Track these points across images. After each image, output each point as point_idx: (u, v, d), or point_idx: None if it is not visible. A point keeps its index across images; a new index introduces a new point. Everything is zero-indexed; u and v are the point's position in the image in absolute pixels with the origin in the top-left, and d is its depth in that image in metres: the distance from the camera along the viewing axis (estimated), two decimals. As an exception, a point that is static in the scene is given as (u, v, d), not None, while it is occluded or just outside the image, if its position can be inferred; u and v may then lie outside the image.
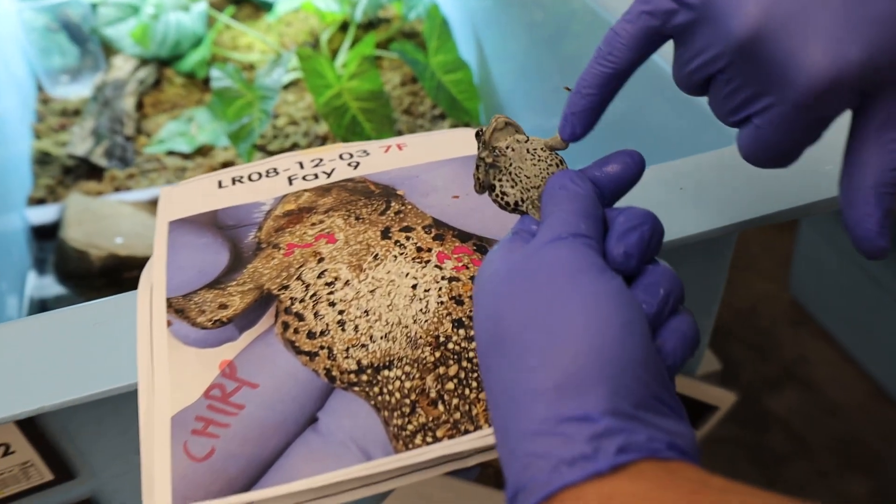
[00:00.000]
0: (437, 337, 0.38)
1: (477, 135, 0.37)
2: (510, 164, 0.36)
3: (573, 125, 0.36)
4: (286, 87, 1.06)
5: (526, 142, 0.37)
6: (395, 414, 0.35)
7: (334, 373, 0.37)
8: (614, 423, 0.26)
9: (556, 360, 0.27)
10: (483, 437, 0.34)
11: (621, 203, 0.37)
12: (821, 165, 0.47)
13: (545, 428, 0.27)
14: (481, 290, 0.32)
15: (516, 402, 0.28)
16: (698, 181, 0.48)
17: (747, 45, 0.30)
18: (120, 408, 0.41)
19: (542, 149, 0.37)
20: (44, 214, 0.90)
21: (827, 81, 0.29)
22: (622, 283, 0.30)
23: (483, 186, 0.38)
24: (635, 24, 0.34)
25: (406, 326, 0.38)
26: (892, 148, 0.31)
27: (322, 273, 0.41)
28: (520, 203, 0.36)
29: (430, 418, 0.35)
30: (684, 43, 0.34)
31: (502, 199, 0.37)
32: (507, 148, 0.37)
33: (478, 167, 0.37)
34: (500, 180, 0.37)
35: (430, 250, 0.42)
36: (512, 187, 0.36)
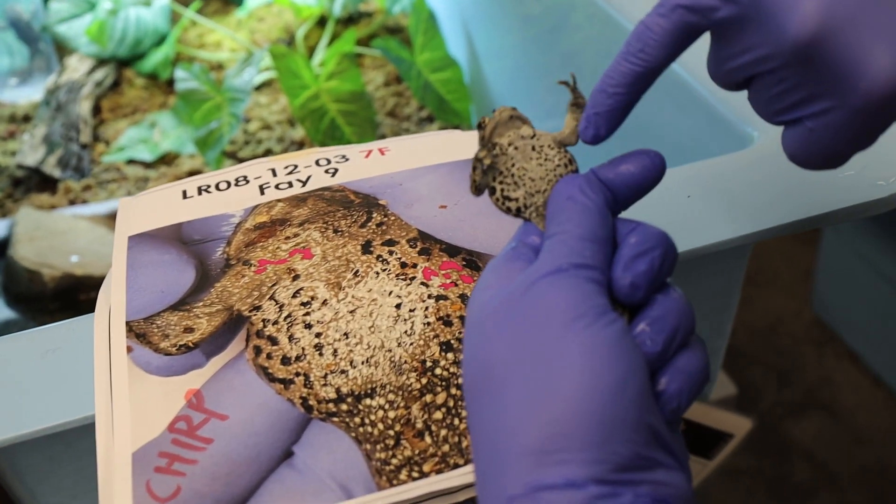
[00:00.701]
0: (424, 362, 0.38)
1: (479, 126, 0.37)
2: (513, 165, 0.36)
3: (597, 126, 0.36)
4: (258, 88, 1.07)
5: (532, 137, 0.36)
6: (378, 447, 0.35)
7: (311, 402, 0.37)
8: (597, 489, 0.27)
9: (541, 421, 0.28)
10: (474, 471, 0.34)
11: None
12: (841, 170, 0.48)
13: (523, 493, 0.28)
14: (472, 321, 0.32)
15: (497, 457, 0.29)
16: (707, 188, 0.48)
17: (804, 47, 0.30)
18: (75, 444, 0.41)
19: (549, 146, 0.36)
20: (-9, 230, 0.90)
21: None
22: (622, 328, 0.30)
23: (479, 189, 0.37)
24: (670, 18, 0.34)
25: (389, 350, 0.38)
26: None
27: (297, 292, 0.41)
28: (522, 209, 0.36)
29: (416, 451, 0.35)
30: (726, 39, 0.34)
31: (504, 203, 0.36)
32: (509, 146, 0.36)
33: (474, 168, 0.36)
34: (501, 182, 0.36)
35: (415, 266, 0.42)
36: (515, 191, 0.36)
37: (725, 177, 0.49)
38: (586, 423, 0.27)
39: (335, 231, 0.45)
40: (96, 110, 1.06)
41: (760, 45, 0.32)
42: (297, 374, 0.38)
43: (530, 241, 0.35)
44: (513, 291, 0.31)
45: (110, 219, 0.89)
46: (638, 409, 0.28)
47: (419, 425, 0.36)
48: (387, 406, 0.37)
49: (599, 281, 0.31)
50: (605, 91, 0.35)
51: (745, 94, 0.36)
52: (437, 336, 0.39)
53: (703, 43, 0.36)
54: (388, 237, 0.44)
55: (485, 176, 0.36)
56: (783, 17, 0.30)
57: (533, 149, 0.36)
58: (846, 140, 0.32)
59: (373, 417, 0.36)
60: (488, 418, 0.30)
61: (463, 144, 0.51)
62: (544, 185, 0.35)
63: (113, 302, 0.42)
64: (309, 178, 0.49)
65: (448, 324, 0.39)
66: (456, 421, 0.36)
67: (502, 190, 0.36)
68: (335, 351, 0.39)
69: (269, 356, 0.39)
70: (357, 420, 0.36)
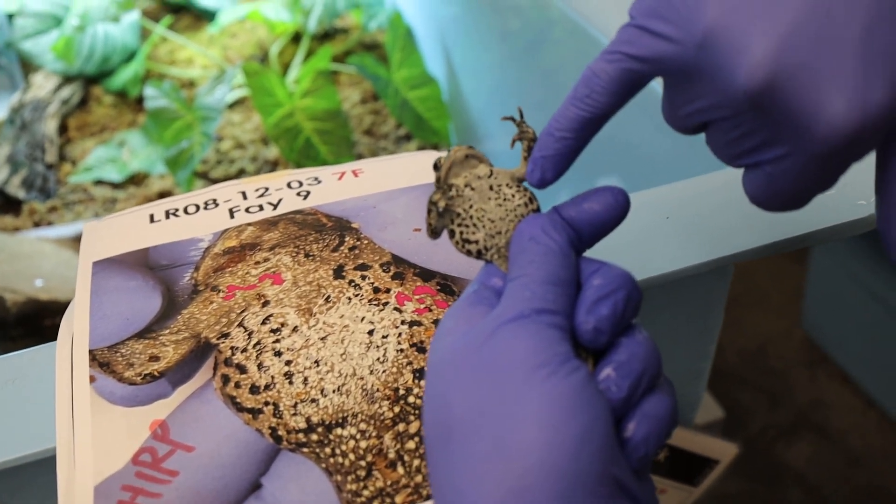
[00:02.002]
0: (397, 389, 0.38)
1: (434, 167, 0.37)
2: (470, 206, 0.36)
3: (543, 170, 0.36)
4: (231, 106, 1.07)
5: (489, 176, 0.36)
6: (349, 478, 0.35)
7: (280, 432, 0.37)
8: None
9: (501, 477, 0.28)
10: None
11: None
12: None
13: None
14: (432, 370, 0.32)
15: None
16: (687, 209, 0.49)
17: (755, 95, 0.30)
18: (36, 477, 0.41)
19: (507, 184, 0.36)
20: (-48, 254, 0.89)
21: (852, 130, 0.29)
22: (585, 375, 0.30)
23: (436, 233, 0.37)
24: (615, 65, 0.34)
25: (361, 378, 0.39)
26: None
27: (267, 318, 0.42)
28: (483, 252, 0.36)
29: (389, 482, 0.35)
30: (676, 86, 0.34)
31: (464, 246, 0.36)
32: (465, 186, 0.36)
33: (429, 212, 0.36)
34: (459, 225, 0.36)
35: (388, 291, 0.43)
36: (474, 233, 0.36)
37: (704, 197, 0.50)
38: (548, 477, 0.28)
39: (306, 255, 0.45)
40: (63, 129, 1.06)
41: (711, 94, 0.32)
42: (267, 404, 0.38)
43: (492, 284, 0.35)
44: (473, 339, 0.31)
45: (76, 241, 0.89)
46: (602, 460, 0.28)
47: (392, 455, 0.36)
48: (358, 436, 0.37)
49: (562, 326, 0.31)
50: (552, 135, 0.35)
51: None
52: (410, 363, 0.39)
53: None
54: (361, 261, 0.44)
55: (441, 219, 0.36)
56: (731, 65, 0.31)
57: (491, 188, 0.36)
58: (805, 184, 0.33)
59: (344, 447, 0.36)
60: (448, 472, 0.30)
61: (438, 165, 0.52)
62: (505, 225, 0.35)
63: (76, 330, 0.42)
64: (280, 201, 0.49)
65: (422, 350, 0.40)
66: (429, 450, 0.36)
67: (461, 232, 0.36)
68: (305, 379, 0.39)
69: (237, 385, 0.39)
70: (328, 450, 0.36)
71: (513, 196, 0.36)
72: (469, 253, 0.36)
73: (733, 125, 0.33)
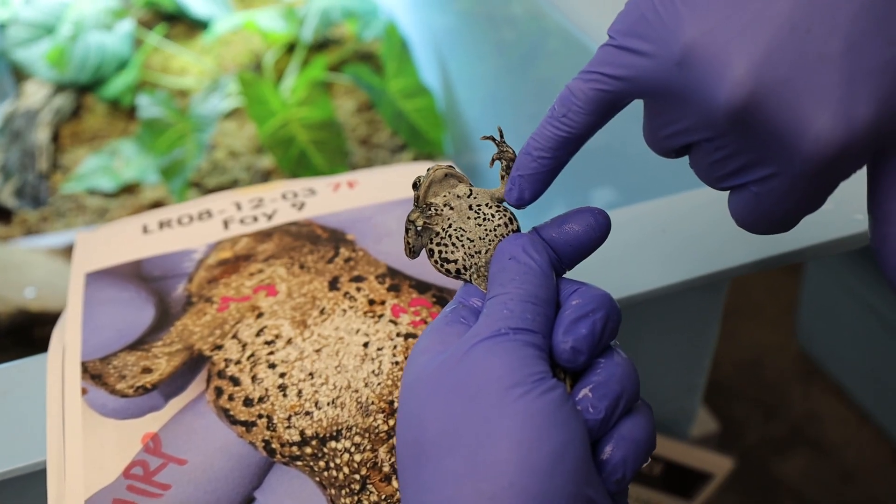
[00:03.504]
0: (392, 402, 0.38)
1: (414, 185, 0.37)
2: (450, 226, 0.36)
3: (521, 189, 0.35)
4: (226, 115, 1.07)
5: (468, 196, 0.36)
6: (343, 492, 0.35)
7: (274, 445, 0.37)
8: None
9: (474, 496, 0.28)
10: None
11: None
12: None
13: None
14: (406, 388, 0.32)
15: None
16: (683, 223, 0.49)
17: (738, 115, 0.30)
18: (26, 491, 0.41)
19: (487, 204, 0.36)
20: (-58, 263, 0.89)
21: (838, 148, 0.29)
22: (560, 395, 0.30)
23: (414, 252, 0.37)
24: (593, 85, 0.33)
25: (356, 391, 0.39)
26: None
27: (261, 330, 0.41)
28: (462, 271, 0.36)
29: (383, 496, 0.35)
30: (657, 108, 0.34)
31: (442, 266, 0.36)
32: (444, 206, 0.36)
33: (407, 230, 0.36)
34: (438, 244, 0.36)
35: (383, 303, 0.42)
36: (453, 252, 0.36)
37: (700, 211, 0.50)
38: (520, 498, 0.27)
39: (301, 267, 0.45)
40: (55, 138, 1.06)
41: (692, 114, 0.32)
42: (260, 416, 0.38)
43: (471, 303, 0.35)
44: (449, 357, 0.31)
45: (68, 251, 0.89)
46: (576, 481, 0.28)
47: (386, 469, 0.36)
48: (353, 449, 0.37)
49: (539, 345, 0.31)
50: (529, 154, 0.35)
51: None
52: (405, 376, 0.39)
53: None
54: (357, 273, 0.44)
55: (419, 237, 0.36)
56: (712, 84, 0.30)
57: (470, 208, 0.36)
58: (792, 204, 0.33)
59: (338, 461, 0.36)
60: (420, 492, 0.29)
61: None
62: (484, 245, 0.35)
63: (68, 341, 0.42)
64: (275, 212, 0.49)
65: (417, 363, 0.40)
66: (424, 464, 0.36)
67: (440, 252, 0.36)
68: (300, 392, 0.39)
69: (230, 397, 0.39)
70: (322, 464, 0.36)
71: (493, 216, 0.36)
72: (448, 272, 0.36)
73: (716, 146, 0.33)
